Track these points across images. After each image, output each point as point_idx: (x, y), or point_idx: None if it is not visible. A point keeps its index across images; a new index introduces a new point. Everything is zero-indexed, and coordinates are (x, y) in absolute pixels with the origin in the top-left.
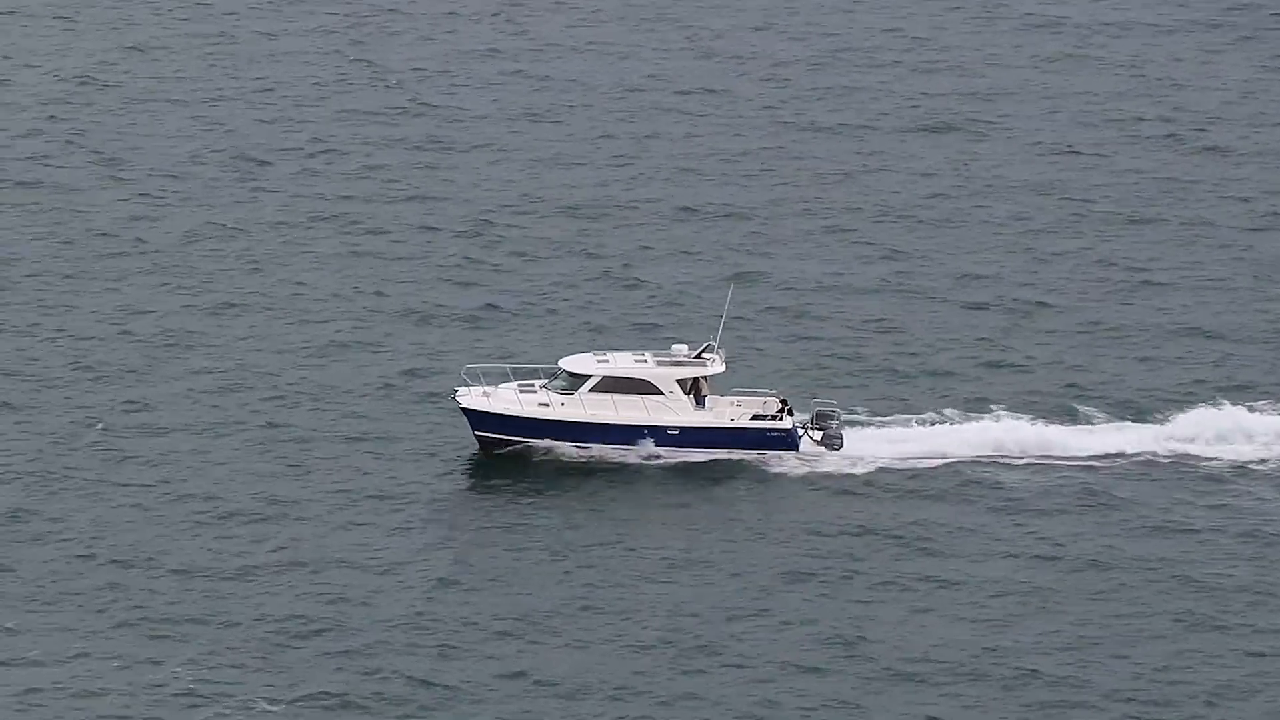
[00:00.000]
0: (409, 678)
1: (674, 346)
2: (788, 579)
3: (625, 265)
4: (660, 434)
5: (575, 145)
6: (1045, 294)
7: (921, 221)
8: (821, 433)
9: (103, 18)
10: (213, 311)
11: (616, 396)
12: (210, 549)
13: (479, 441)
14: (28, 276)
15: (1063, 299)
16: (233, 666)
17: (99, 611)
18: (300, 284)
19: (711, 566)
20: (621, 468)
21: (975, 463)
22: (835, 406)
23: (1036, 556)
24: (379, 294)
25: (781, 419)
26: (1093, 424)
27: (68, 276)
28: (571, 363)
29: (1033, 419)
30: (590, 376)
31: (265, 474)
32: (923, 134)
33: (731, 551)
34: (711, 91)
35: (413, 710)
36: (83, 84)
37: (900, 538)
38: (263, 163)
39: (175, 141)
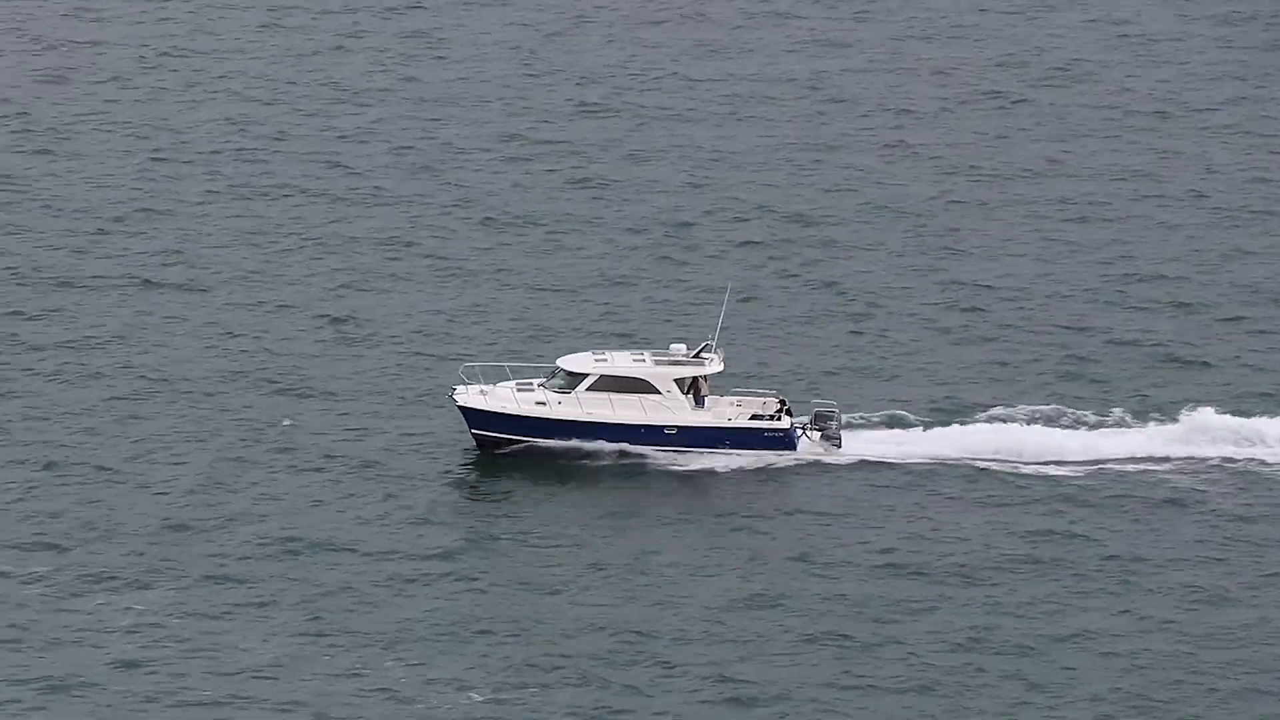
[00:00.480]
0: (603, 678)
1: (672, 346)
2: (963, 576)
3: (813, 264)
4: (657, 433)
5: (769, 143)
6: (1249, 294)
7: (1124, 220)
8: (820, 433)
9: (301, 14)
10: (402, 309)
11: (614, 395)
12: (404, 543)
13: (476, 440)
14: (222, 275)
15: (1262, 298)
16: (427, 663)
17: (295, 604)
18: (494, 281)
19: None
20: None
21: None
22: (835, 407)
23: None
24: (573, 291)
25: (780, 419)
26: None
27: (258, 274)
28: (569, 361)
29: (1232, 414)
30: (588, 375)
31: (454, 469)
32: (1128, 131)
33: (906, 548)
34: (907, 92)
35: (603, 698)
36: (289, 82)
37: (1092, 540)
38: (456, 162)
39: (366, 139)
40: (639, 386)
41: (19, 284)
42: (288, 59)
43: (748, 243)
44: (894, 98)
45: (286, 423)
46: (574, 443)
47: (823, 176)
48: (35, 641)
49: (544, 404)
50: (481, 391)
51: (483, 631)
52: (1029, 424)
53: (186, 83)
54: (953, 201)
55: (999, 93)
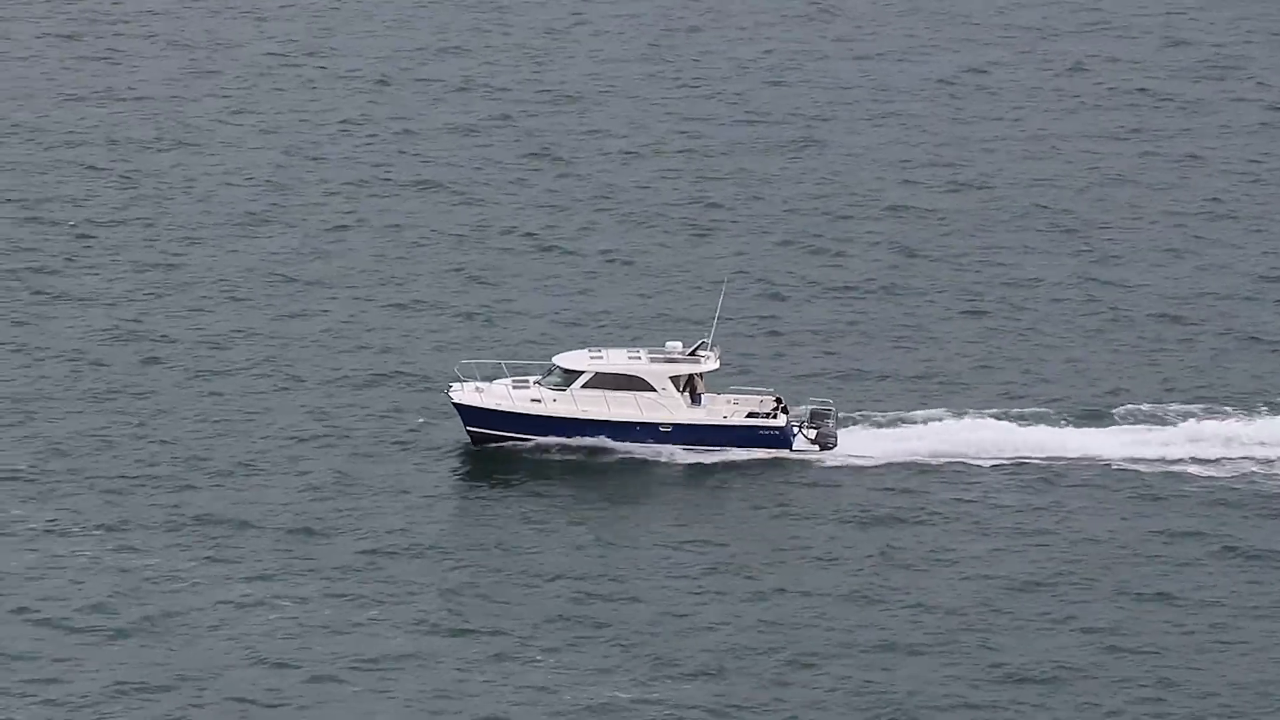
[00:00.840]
0: (741, 673)
1: (668, 343)
2: (1097, 574)
3: (953, 261)
4: (652, 430)
5: (908, 140)
6: None
7: (1270, 216)
8: (816, 431)
9: (438, 9)
10: (538, 305)
11: (609, 393)
12: (538, 539)
13: (471, 437)
14: (359, 270)
15: None
16: (567, 656)
17: (434, 598)
18: (633, 278)
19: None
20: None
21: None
22: (831, 405)
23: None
24: (709, 289)
25: (775, 417)
26: None
27: (393, 270)
28: (565, 359)
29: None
30: (583, 373)
31: (586, 466)
32: (1272, 127)
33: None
34: (1049, 87)
35: (740, 693)
36: (426, 80)
37: (1234, 538)
38: (593, 157)
39: (501, 135)
40: (634, 384)
41: (163, 280)
42: (425, 54)
43: (886, 241)
44: (1034, 93)
45: (420, 421)
46: (568, 440)
47: (962, 174)
48: (175, 634)
49: (539, 401)
50: (477, 388)
51: (621, 626)
52: (1179, 421)
53: (327, 78)
54: (1096, 200)
55: (1142, 88)
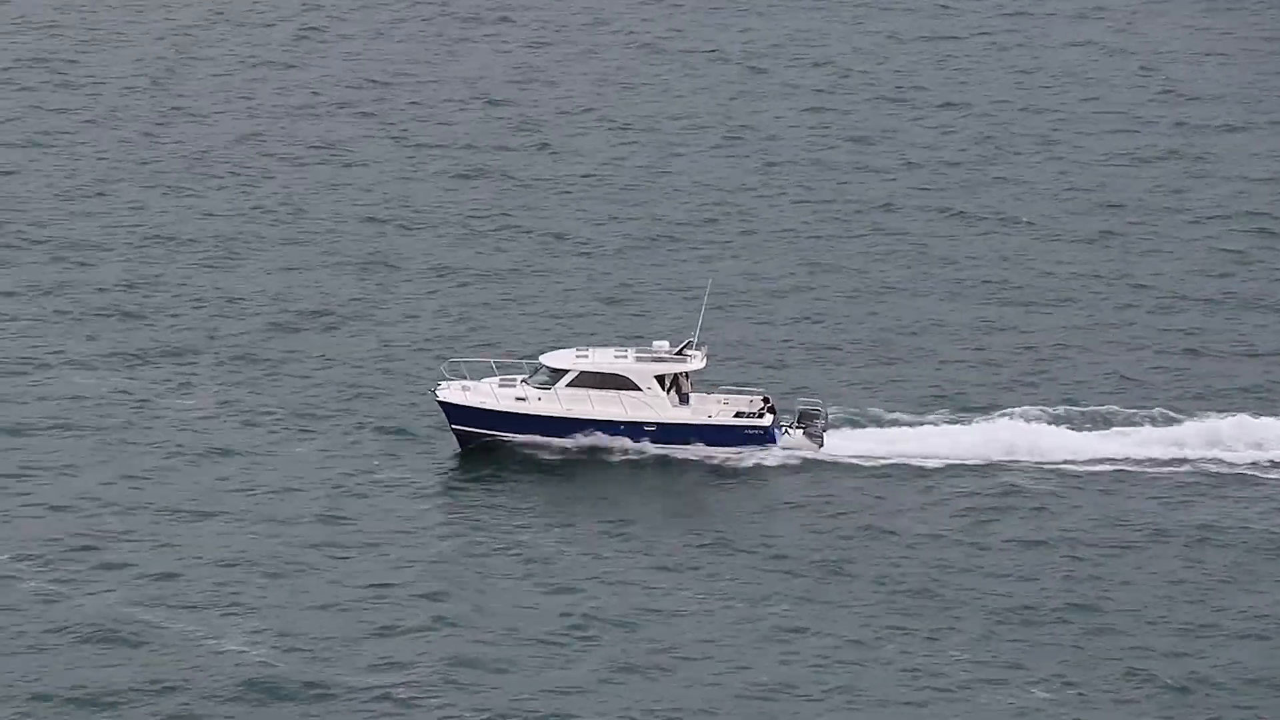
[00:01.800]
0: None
1: (655, 343)
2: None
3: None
4: (637, 429)
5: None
6: None
7: None
8: (802, 430)
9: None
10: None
11: (594, 392)
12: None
13: (456, 436)
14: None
15: None
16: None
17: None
18: (1049, 273)
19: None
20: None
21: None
22: (819, 405)
23: None
24: (1126, 278)
25: (762, 416)
26: None
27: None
28: (551, 358)
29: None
30: (568, 371)
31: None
32: None
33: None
34: None
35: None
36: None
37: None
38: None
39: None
40: (619, 383)
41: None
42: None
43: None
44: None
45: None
46: (553, 440)
47: None
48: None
49: (524, 400)
50: (464, 387)
51: (1031, 625)
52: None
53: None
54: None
55: None
